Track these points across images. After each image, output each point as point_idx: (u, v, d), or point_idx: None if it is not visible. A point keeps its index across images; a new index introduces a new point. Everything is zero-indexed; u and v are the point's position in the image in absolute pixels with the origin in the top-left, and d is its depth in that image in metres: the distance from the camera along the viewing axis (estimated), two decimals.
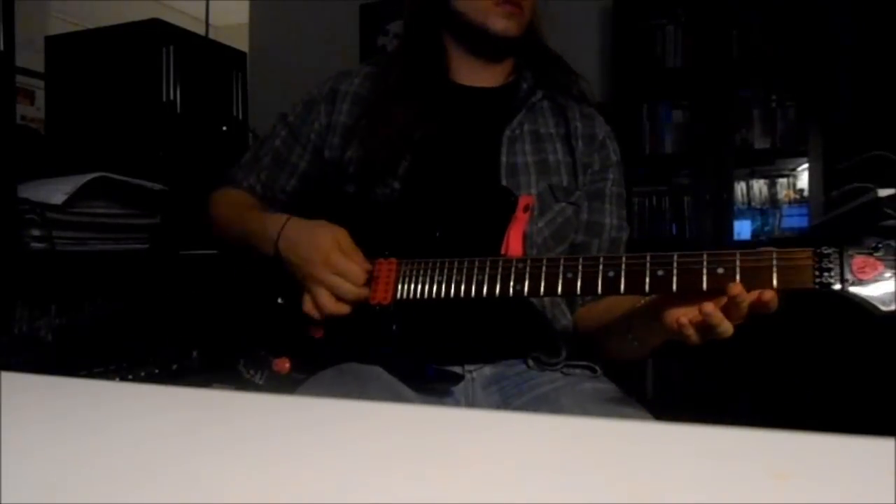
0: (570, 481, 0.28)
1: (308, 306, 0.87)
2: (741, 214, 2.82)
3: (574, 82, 1.03)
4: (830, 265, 0.64)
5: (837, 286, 0.63)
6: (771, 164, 2.83)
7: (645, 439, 0.34)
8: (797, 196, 2.79)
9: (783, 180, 2.83)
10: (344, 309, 0.85)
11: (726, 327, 0.67)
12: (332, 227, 0.87)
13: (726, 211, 2.72)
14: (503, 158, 0.95)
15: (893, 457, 0.28)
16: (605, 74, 2.92)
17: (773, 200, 2.83)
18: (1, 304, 1.42)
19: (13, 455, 0.32)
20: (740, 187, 2.84)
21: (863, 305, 0.63)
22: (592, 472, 0.29)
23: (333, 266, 0.84)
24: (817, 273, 0.64)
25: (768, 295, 0.65)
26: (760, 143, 2.75)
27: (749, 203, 2.84)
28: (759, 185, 2.85)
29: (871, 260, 0.63)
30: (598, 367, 0.93)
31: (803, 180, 2.73)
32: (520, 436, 0.35)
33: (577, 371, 0.92)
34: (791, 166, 2.79)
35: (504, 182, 0.93)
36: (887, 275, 0.62)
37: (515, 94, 1.01)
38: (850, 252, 0.63)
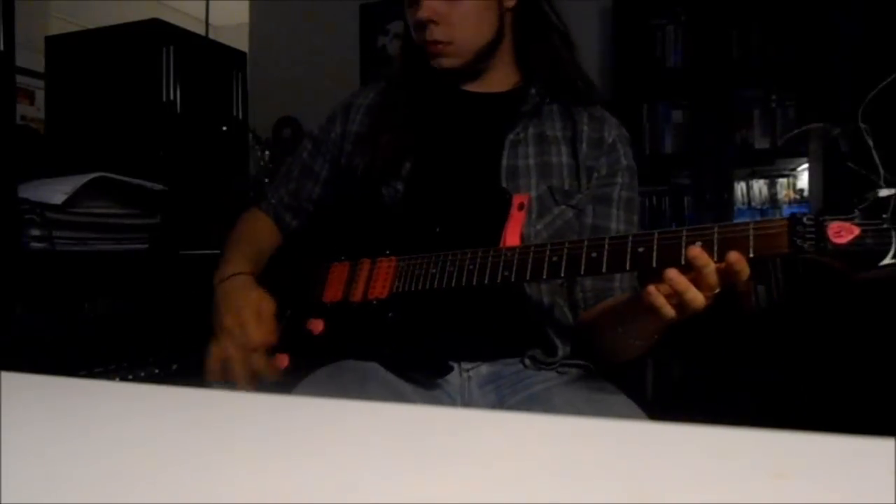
0: (570, 482, 0.28)
1: (211, 355, 0.92)
2: (741, 214, 2.82)
3: (584, 84, 1.03)
4: (806, 231, 0.63)
5: (812, 251, 0.63)
6: (771, 164, 2.83)
7: (645, 439, 0.34)
8: (797, 196, 2.79)
9: (783, 180, 2.84)
10: (241, 377, 0.89)
11: (693, 295, 0.68)
12: (263, 295, 0.94)
13: (726, 211, 2.72)
14: (504, 162, 0.95)
15: (893, 457, 0.28)
16: (605, 74, 2.92)
17: (773, 200, 2.83)
18: (1, 304, 1.42)
19: (13, 455, 0.32)
20: (740, 187, 2.84)
21: (840, 271, 0.63)
22: (592, 473, 0.29)
23: (241, 319, 0.90)
24: (793, 240, 0.64)
25: (733, 256, 0.66)
26: (760, 143, 2.75)
27: (749, 203, 2.84)
28: (759, 185, 2.85)
29: (848, 224, 0.62)
30: (592, 366, 0.93)
31: (803, 180, 2.73)
32: (515, 435, 0.35)
33: (573, 370, 0.93)
34: (791, 166, 2.79)
35: (504, 185, 0.94)
36: (864, 239, 0.61)
37: (522, 98, 1.01)
38: (826, 218, 0.63)
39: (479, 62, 1.00)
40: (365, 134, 1.03)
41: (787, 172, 2.83)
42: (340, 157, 1.06)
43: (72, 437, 0.35)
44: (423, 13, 0.93)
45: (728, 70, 2.71)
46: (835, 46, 2.46)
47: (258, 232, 1.11)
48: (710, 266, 0.67)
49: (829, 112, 2.30)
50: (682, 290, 0.68)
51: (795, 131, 1.96)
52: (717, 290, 0.69)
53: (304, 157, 1.12)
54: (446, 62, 0.97)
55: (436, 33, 0.94)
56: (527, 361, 0.93)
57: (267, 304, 0.92)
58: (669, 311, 0.71)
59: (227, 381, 0.90)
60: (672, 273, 0.68)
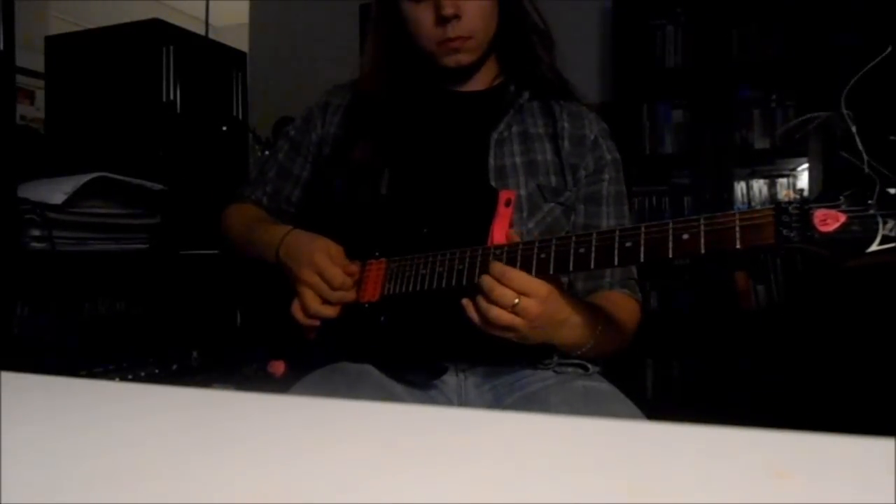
0: (568, 482, 0.28)
1: (295, 308, 0.90)
2: None
3: (560, 79, 1.03)
4: (792, 221, 0.63)
5: (797, 240, 0.62)
6: (771, 164, 2.83)
7: (644, 439, 0.34)
8: (797, 196, 2.79)
9: (783, 180, 2.83)
10: (328, 311, 0.88)
11: (491, 314, 0.76)
12: (329, 240, 0.91)
13: (726, 211, 2.71)
14: (491, 161, 0.95)
15: (893, 457, 0.28)
16: (605, 74, 2.92)
17: (773, 200, 2.83)
18: (1, 304, 1.42)
19: (13, 455, 0.32)
20: (740, 187, 2.84)
21: (825, 258, 0.62)
22: (591, 473, 0.29)
23: (316, 266, 0.88)
24: (779, 229, 0.63)
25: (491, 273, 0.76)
26: (760, 143, 2.75)
27: (749, 203, 2.84)
28: (759, 185, 2.85)
29: (834, 212, 0.61)
30: (590, 366, 0.93)
31: (803, 180, 2.73)
32: (512, 435, 0.35)
33: (570, 369, 0.92)
34: (791, 166, 2.79)
35: (493, 184, 0.94)
36: (851, 226, 0.61)
37: (503, 96, 1.01)
38: (812, 206, 0.62)
39: (486, 57, 1.00)
40: (344, 135, 1.02)
41: (787, 172, 2.82)
42: (320, 158, 1.05)
43: (72, 437, 0.35)
44: (448, 9, 0.91)
45: (728, 70, 2.71)
46: (835, 45, 2.46)
47: (258, 212, 1.09)
48: (494, 290, 0.75)
49: (825, 103, 2.30)
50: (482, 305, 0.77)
51: (793, 122, 1.96)
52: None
53: (279, 159, 1.10)
54: (465, 58, 0.96)
55: (458, 29, 0.93)
56: (523, 361, 0.93)
57: (335, 247, 0.90)
58: (474, 316, 0.78)
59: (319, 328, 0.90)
60: (482, 280, 0.77)
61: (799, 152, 2.66)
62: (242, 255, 1.04)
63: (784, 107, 2.72)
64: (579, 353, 0.87)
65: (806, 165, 2.65)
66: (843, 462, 0.29)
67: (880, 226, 0.59)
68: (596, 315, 0.85)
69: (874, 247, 0.59)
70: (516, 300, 0.75)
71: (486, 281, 0.76)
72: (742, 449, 0.31)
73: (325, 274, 0.87)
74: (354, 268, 0.89)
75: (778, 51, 2.65)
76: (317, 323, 0.89)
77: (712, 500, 0.26)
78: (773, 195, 2.83)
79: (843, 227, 0.61)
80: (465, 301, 0.78)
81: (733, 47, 2.71)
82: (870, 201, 0.60)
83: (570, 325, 0.81)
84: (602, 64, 2.95)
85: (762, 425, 0.32)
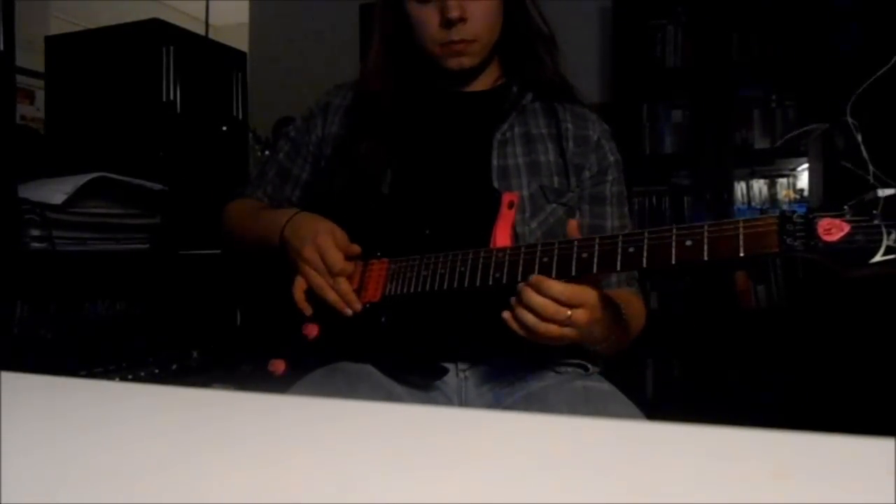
0: (567, 482, 0.28)
1: (296, 287, 0.90)
2: (741, 214, 2.82)
3: (564, 83, 1.03)
4: (796, 229, 0.63)
5: (801, 249, 0.62)
6: (771, 164, 2.83)
7: (644, 439, 0.34)
8: (797, 196, 2.79)
9: (783, 180, 2.84)
10: (331, 297, 0.88)
11: (541, 329, 0.73)
12: (333, 224, 0.91)
13: (726, 211, 2.72)
14: (494, 162, 0.95)
15: (893, 457, 0.28)
16: (605, 74, 2.92)
17: (773, 200, 2.83)
18: (1, 304, 1.42)
19: (13, 455, 0.32)
20: (740, 187, 2.84)
21: (829, 268, 0.62)
22: (591, 473, 0.29)
23: (318, 246, 0.87)
24: (783, 238, 0.63)
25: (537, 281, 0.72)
26: (760, 143, 2.75)
27: (749, 203, 2.85)
28: (759, 185, 2.85)
29: (838, 221, 0.61)
30: (590, 365, 0.93)
31: (803, 180, 2.73)
32: (512, 435, 0.35)
33: (570, 369, 0.93)
34: (791, 166, 2.80)
35: (496, 185, 0.94)
36: (854, 236, 0.60)
37: (506, 97, 1.01)
38: (816, 215, 0.62)
39: (489, 60, 1.00)
40: (346, 136, 1.02)
41: (787, 172, 2.83)
42: (321, 159, 1.05)
43: (72, 437, 0.35)
44: (454, 12, 0.91)
45: (728, 70, 2.71)
46: (833, 44, 2.46)
47: (262, 204, 1.10)
48: (532, 298, 0.73)
49: (828, 111, 2.30)
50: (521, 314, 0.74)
51: (795, 132, 1.97)
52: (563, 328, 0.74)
53: (280, 158, 1.10)
54: (468, 61, 0.96)
55: (463, 32, 0.93)
56: (524, 361, 0.93)
57: (340, 232, 0.90)
58: (518, 329, 0.76)
59: (316, 313, 0.89)
60: (505, 315, 0.75)
61: (799, 152, 2.67)
62: (243, 242, 1.05)
63: (784, 107, 2.72)
64: (596, 349, 0.84)
65: (806, 165, 2.66)
66: (843, 462, 0.29)
67: (884, 236, 0.59)
68: (617, 310, 0.84)
69: (878, 257, 0.59)
70: (569, 313, 0.72)
71: (530, 296, 0.73)
72: (742, 449, 0.31)
73: (325, 256, 0.87)
74: (356, 249, 0.90)
75: (778, 51, 2.65)
76: (311, 313, 0.89)
77: (712, 500, 0.26)
78: (773, 195, 2.83)
79: (847, 236, 0.60)
80: (506, 315, 0.75)
81: (733, 47, 2.71)
82: (874, 211, 0.60)
83: (602, 323, 0.78)
84: (602, 64, 2.95)
85: (762, 425, 0.32)
